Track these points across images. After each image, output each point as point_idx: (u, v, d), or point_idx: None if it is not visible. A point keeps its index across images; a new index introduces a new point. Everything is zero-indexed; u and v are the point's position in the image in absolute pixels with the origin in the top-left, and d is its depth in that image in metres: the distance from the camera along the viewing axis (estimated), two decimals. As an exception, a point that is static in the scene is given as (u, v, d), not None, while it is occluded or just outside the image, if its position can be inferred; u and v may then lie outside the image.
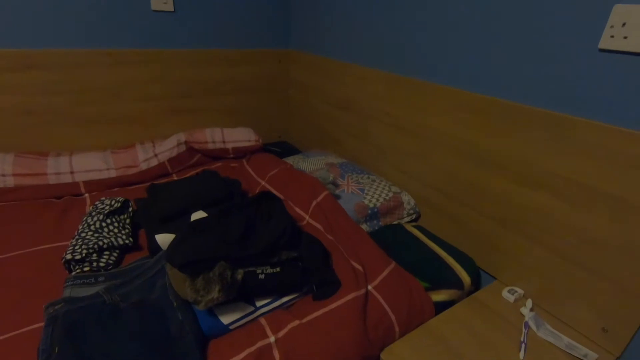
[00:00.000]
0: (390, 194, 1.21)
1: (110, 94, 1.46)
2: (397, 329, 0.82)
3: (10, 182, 1.18)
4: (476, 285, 1.01)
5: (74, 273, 0.87)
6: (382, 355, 0.78)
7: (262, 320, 0.77)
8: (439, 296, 0.93)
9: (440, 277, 0.98)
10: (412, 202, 1.22)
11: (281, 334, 0.73)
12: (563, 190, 0.82)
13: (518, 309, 0.90)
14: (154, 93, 1.55)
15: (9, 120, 1.32)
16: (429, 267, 1.00)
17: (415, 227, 1.19)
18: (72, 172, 1.27)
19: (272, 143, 1.96)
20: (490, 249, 1.02)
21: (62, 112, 1.40)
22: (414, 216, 1.23)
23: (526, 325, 0.84)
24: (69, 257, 0.87)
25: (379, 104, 1.33)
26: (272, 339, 0.72)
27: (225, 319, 0.74)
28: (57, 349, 0.66)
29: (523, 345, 0.79)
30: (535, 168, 0.86)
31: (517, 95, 0.89)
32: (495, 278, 1.02)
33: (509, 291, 0.94)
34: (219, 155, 1.52)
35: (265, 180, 1.31)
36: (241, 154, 1.55)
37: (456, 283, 0.96)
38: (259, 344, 0.71)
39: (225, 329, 0.74)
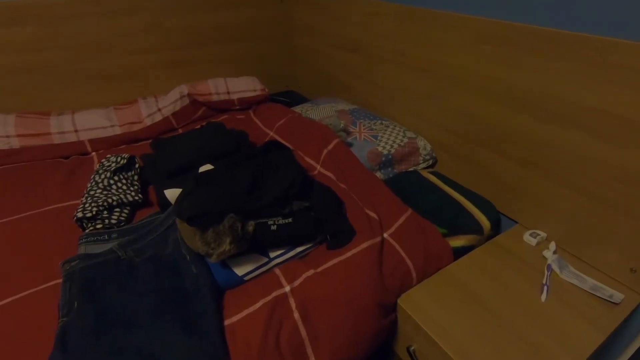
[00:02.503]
0: (405, 140, 1.14)
1: (103, 47, 1.38)
2: (414, 275, 0.80)
3: (15, 143, 1.16)
4: (496, 230, 0.98)
5: (87, 230, 0.86)
6: (399, 302, 0.78)
7: (277, 271, 0.76)
8: (458, 242, 0.90)
9: (459, 222, 0.94)
10: (429, 147, 1.16)
11: (296, 283, 0.72)
12: (597, 126, 0.74)
13: (540, 252, 0.87)
14: (149, 45, 1.46)
15: (3, 79, 1.27)
16: (447, 213, 0.97)
17: (431, 173, 1.14)
18: (76, 131, 1.24)
19: (278, 93, 1.87)
20: (511, 193, 0.97)
21: (56, 69, 1.33)
22: (430, 162, 1.17)
23: (549, 267, 0.81)
24: (79, 215, 0.86)
25: (390, 42, 1.22)
26: (287, 288, 0.72)
27: (240, 271, 0.73)
28: (76, 303, 0.67)
29: (545, 287, 0.77)
30: (566, 103, 0.78)
31: (548, 19, 0.79)
32: (516, 222, 0.99)
33: (531, 234, 0.90)
34: (224, 107, 1.46)
35: (273, 130, 1.26)
36: (247, 104, 1.48)
37: (475, 228, 0.93)
38: (275, 294, 0.70)
39: (240, 281, 0.73)
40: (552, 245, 0.86)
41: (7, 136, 1.15)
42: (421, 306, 0.76)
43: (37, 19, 1.24)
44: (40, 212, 0.93)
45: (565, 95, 0.78)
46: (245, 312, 0.67)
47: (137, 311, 0.65)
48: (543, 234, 0.90)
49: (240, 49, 1.69)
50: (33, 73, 1.30)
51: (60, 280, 0.73)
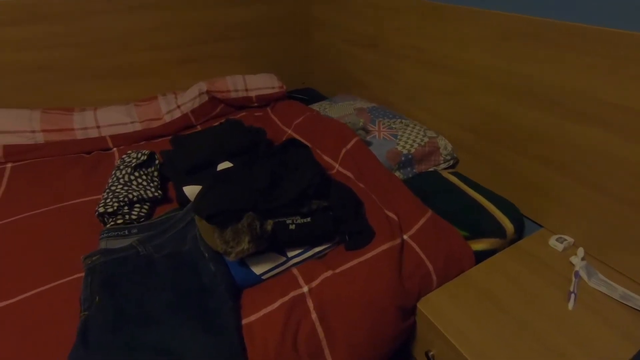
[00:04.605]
0: (426, 139, 1.12)
1: (121, 44, 1.40)
2: (434, 278, 0.79)
3: (40, 138, 1.18)
4: (519, 233, 0.94)
5: (108, 225, 0.87)
6: (418, 305, 0.76)
7: (295, 271, 0.75)
8: (480, 245, 0.88)
9: (480, 225, 0.92)
10: (449, 147, 1.14)
11: (314, 284, 0.72)
12: (623, 124, 0.71)
13: (567, 258, 0.84)
14: (166, 41, 1.47)
15: (27, 76, 1.30)
16: (468, 215, 0.94)
17: (452, 173, 1.11)
18: (98, 127, 1.26)
19: (296, 90, 1.86)
20: (535, 195, 0.94)
21: (76, 65, 1.36)
22: (450, 162, 1.15)
23: (577, 274, 0.78)
24: (101, 210, 0.87)
25: (410, 38, 1.20)
26: (305, 288, 0.71)
27: (257, 269, 0.73)
28: (97, 298, 0.67)
29: (572, 295, 0.74)
30: (591, 100, 0.75)
31: (573, 13, 0.76)
32: (541, 226, 0.95)
33: (557, 239, 0.87)
34: (242, 104, 1.46)
35: (291, 128, 1.25)
36: (265, 102, 1.48)
37: (498, 231, 0.90)
38: (292, 294, 0.70)
39: (257, 279, 0.73)
40: (581, 252, 0.83)
41: (33, 131, 1.17)
42: (441, 310, 0.74)
43: (58, 16, 1.27)
44: (63, 206, 0.94)
45: (593, 92, 0.75)
46: (263, 312, 0.66)
47: (155, 307, 0.65)
48: (570, 239, 0.87)
49: (258, 46, 1.69)
50: (54, 69, 1.33)
51: (81, 274, 0.74)
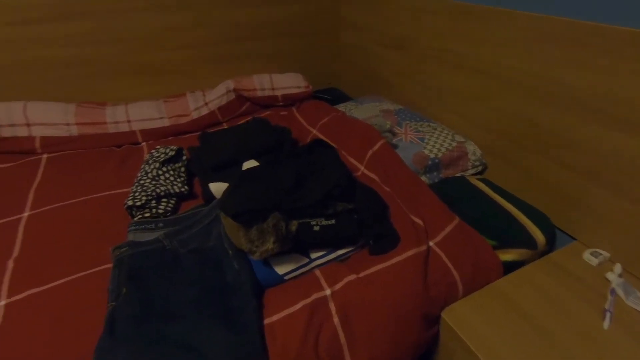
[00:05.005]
0: (454, 144, 1.09)
1: (153, 42, 1.43)
2: (460, 287, 0.76)
3: (74, 131, 1.22)
4: (551, 245, 0.91)
5: (136, 218, 0.89)
6: (443, 314, 0.74)
7: (317, 272, 0.74)
8: (508, 255, 0.85)
9: (510, 234, 0.88)
10: (478, 152, 1.10)
11: (337, 287, 0.71)
12: None
13: (602, 274, 0.80)
14: (196, 40, 1.50)
15: (64, 71, 1.34)
16: (496, 223, 0.91)
17: (480, 179, 1.08)
18: (129, 121, 1.29)
19: (321, 90, 1.85)
20: (569, 205, 0.90)
21: (110, 61, 1.40)
22: (479, 168, 1.11)
23: (612, 292, 0.74)
24: (130, 203, 0.89)
25: (440, 40, 1.17)
26: (327, 291, 0.70)
27: (280, 269, 0.73)
28: (124, 290, 0.69)
29: (608, 313, 0.70)
30: (635, 108, 0.71)
31: (617, 17, 0.72)
32: (574, 238, 0.91)
33: (591, 253, 0.83)
34: (268, 103, 1.47)
35: (316, 128, 1.25)
36: (291, 101, 1.48)
37: (528, 242, 0.87)
38: (315, 296, 0.69)
39: (280, 279, 0.73)
40: (618, 268, 0.79)
41: (68, 124, 1.22)
42: (466, 321, 0.72)
43: (95, 14, 1.31)
44: (94, 198, 0.97)
45: (636, 100, 0.71)
46: (285, 312, 0.66)
47: (180, 302, 0.66)
48: (606, 254, 0.82)
49: (285, 45, 1.69)
50: (89, 65, 1.37)
51: (110, 265, 0.76)
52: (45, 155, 1.16)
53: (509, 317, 0.72)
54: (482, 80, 1.05)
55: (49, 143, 1.18)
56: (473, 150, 1.10)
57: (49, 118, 1.20)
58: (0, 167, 1.09)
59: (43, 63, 1.30)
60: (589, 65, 0.77)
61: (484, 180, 1.07)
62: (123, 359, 0.57)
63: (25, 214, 0.90)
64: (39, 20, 1.24)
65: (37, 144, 1.17)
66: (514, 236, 0.88)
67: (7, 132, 1.16)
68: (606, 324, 0.69)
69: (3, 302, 0.68)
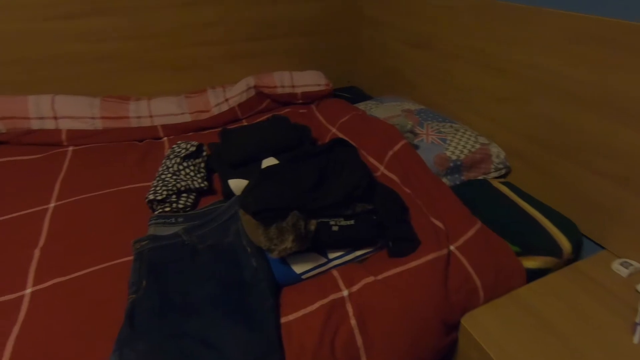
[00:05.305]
0: (477, 145, 1.06)
1: (175, 38, 1.44)
2: (481, 294, 0.74)
3: (98, 124, 1.25)
4: (577, 254, 0.88)
5: (156, 212, 0.91)
6: (462, 321, 0.72)
7: (335, 273, 0.74)
8: (532, 263, 0.82)
9: (534, 241, 0.86)
10: (502, 155, 1.07)
11: (355, 288, 0.70)
12: None
13: (633, 285, 0.76)
14: (217, 37, 1.50)
15: (90, 66, 1.37)
16: (521, 229, 0.89)
17: (503, 183, 1.05)
18: (151, 116, 1.31)
19: (340, 88, 1.84)
20: (598, 213, 0.86)
21: (134, 57, 1.42)
22: (503, 171, 1.08)
23: (644, 305, 0.71)
24: (151, 197, 0.91)
25: (466, 39, 1.14)
26: (345, 292, 0.69)
27: (298, 269, 0.72)
28: (144, 282, 0.70)
29: (638, 327, 0.67)
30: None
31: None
32: (602, 247, 0.88)
33: (621, 264, 0.80)
34: (287, 100, 1.47)
35: (335, 127, 1.24)
36: (310, 99, 1.48)
37: (553, 249, 0.84)
38: (332, 297, 0.68)
39: (297, 278, 0.73)
40: (650, 280, 0.75)
41: (93, 117, 1.25)
42: (487, 328, 0.70)
43: (122, 10, 1.33)
44: (116, 191, 0.99)
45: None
46: (301, 312, 0.66)
47: (198, 298, 0.66)
48: (637, 265, 0.79)
49: (305, 42, 1.69)
50: (115, 60, 1.40)
51: (131, 257, 0.77)
52: (71, 148, 1.19)
53: (531, 326, 0.70)
54: (510, 80, 1.02)
55: (75, 136, 1.21)
56: (497, 152, 1.07)
57: (75, 111, 1.23)
58: (28, 159, 1.12)
59: (70, 58, 1.33)
60: (629, 67, 0.74)
61: (507, 184, 1.04)
62: (143, 351, 0.58)
63: (52, 205, 0.93)
64: (67, 16, 1.27)
65: (64, 137, 1.21)
66: (538, 242, 0.85)
67: (36, 125, 1.19)
68: (636, 338, 0.66)
69: (29, 290, 0.70)
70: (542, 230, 0.87)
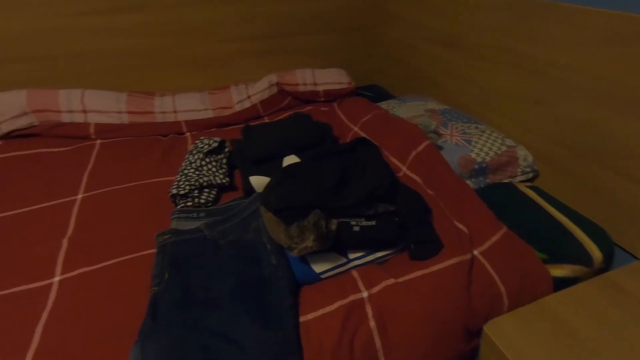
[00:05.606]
0: (503, 148, 1.03)
1: (200, 35, 1.46)
2: (505, 301, 0.72)
3: (125, 119, 1.28)
4: (608, 263, 0.84)
5: (179, 207, 0.92)
6: (485, 328, 0.70)
7: (355, 274, 0.73)
8: (559, 271, 0.79)
9: (562, 248, 0.83)
10: (530, 158, 1.04)
11: (375, 290, 0.69)
12: None
13: (668, 299, 0.73)
14: (241, 34, 1.51)
15: (119, 61, 1.40)
16: (548, 235, 0.85)
17: (530, 187, 1.01)
18: (175, 112, 1.33)
19: (362, 87, 1.82)
20: (631, 221, 0.82)
21: (161, 53, 1.44)
22: (529, 175, 1.05)
23: (681, 320, 0.67)
24: (174, 191, 0.92)
25: (495, 38, 1.11)
26: (365, 293, 0.69)
27: (317, 268, 0.72)
28: (166, 275, 0.71)
29: (674, 344, 0.64)
30: None
31: None
32: (635, 257, 0.84)
33: (657, 276, 0.76)
34: (309, 98, 1.46)
35: (357, 126, 1.22)
36: (332, 97, 1.47)
37: (582, 258, 0.81)
38: (351, 297, 0.68)
39: (316, 278, 0.72)
40: (688, 294, 0.71)
41: (120, 112, 1.28)
42: (510, 337, 0.68)
43: (149, 6, 1.35)
44: (141, 184, 1.01)
45: None
46: (320, 312, 0.66)
47: (219, 293, 0.67)
48: (674, 278, 0.75)
49: (329, 40, 1.68)
50: (142, 56, 1.43)
51: (154, 250, 0.79)
52: (98, 141, 1.22)
53: (557, 337, 0.67)
54: (540, 82, 0.98)
55: (103, 130, 1.25)
56: (524, 155, 1.04)
57: (103, 106, 1.27)
58: (58, 151, 1.16)
59: (98, 53, 1.37)
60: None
61: (534, 189, 1.01)
62: (165, 345, 0.59)
63: (80, 196, 0.96)
64: (95, 12, 1.31)
65: (92, 130, 1.24)
66: (566, 250, 0.82)
67: (66, 118, 1.23)
68: (672, 355, 0.63)
69: (57, 279, 0.73)
70: (571, 238, 0.84)
